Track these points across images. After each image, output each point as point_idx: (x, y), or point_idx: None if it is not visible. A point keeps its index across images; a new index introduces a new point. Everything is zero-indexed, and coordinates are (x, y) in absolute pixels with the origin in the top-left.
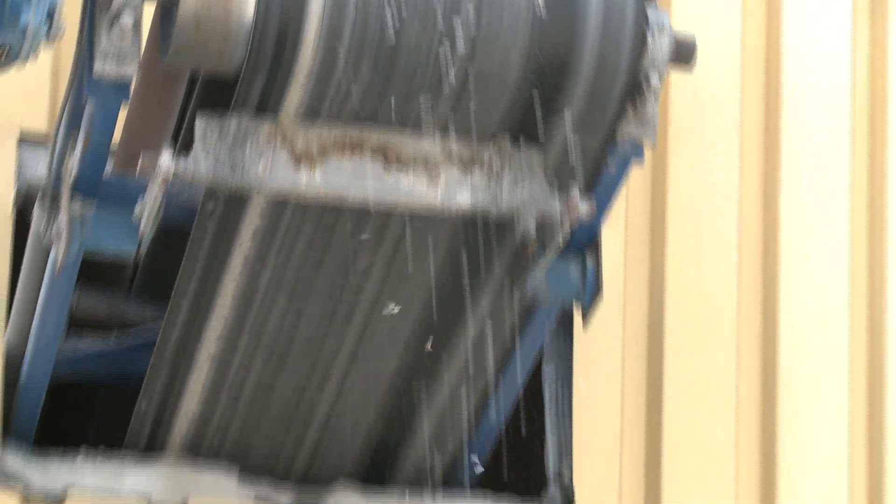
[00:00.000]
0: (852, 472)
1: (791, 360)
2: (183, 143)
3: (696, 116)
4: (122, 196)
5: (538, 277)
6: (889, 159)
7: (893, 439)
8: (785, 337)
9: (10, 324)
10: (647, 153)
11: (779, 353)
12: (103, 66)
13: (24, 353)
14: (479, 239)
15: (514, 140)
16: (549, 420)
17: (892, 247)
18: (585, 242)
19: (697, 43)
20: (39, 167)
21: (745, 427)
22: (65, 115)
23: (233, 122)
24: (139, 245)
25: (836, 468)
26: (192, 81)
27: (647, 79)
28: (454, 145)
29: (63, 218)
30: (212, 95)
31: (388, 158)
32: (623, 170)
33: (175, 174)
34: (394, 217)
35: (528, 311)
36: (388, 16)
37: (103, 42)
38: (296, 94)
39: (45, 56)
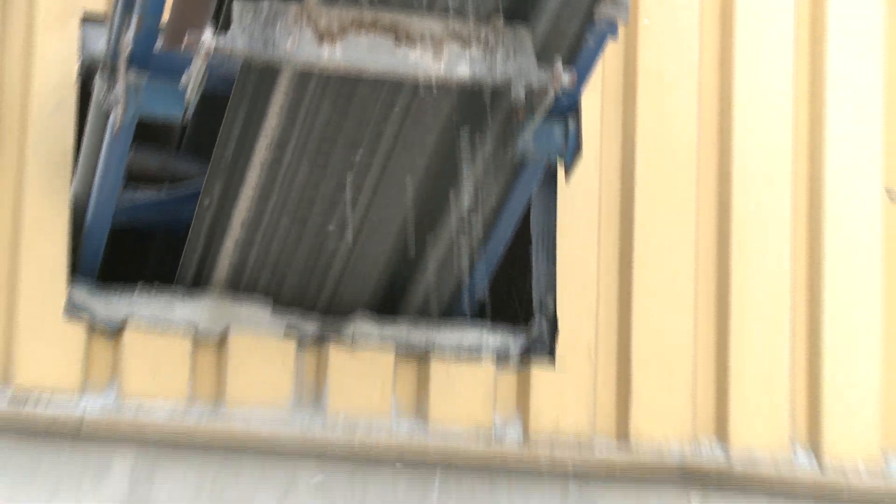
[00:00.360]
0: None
1: (742, 198)
2: (222, 23)
3: None
4: (170, 68)
5: (527, 138)
6: (829, 28)
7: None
8: (737, 180)
9: (76, 178)
10: (621, 30)
11: (732, 192)
12: None
13: (88, 202)
14: (477, 105)
15: (507, 20)
16: (535, 260)
17: (832, 97)
18: (567, 108)
19: None
20: (99, 43)
21: (702, 253)
22: None
23: (265, 5)
24: (186, 110)
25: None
26: None
27: None
28: (455, 24)
29: (120, 86)
30: None
31: (399, 36)
32: (600, 45)
33: (216, 49)
34: (403, 87)
35: (519, 168)
36: None
37: None
38: None
39: None
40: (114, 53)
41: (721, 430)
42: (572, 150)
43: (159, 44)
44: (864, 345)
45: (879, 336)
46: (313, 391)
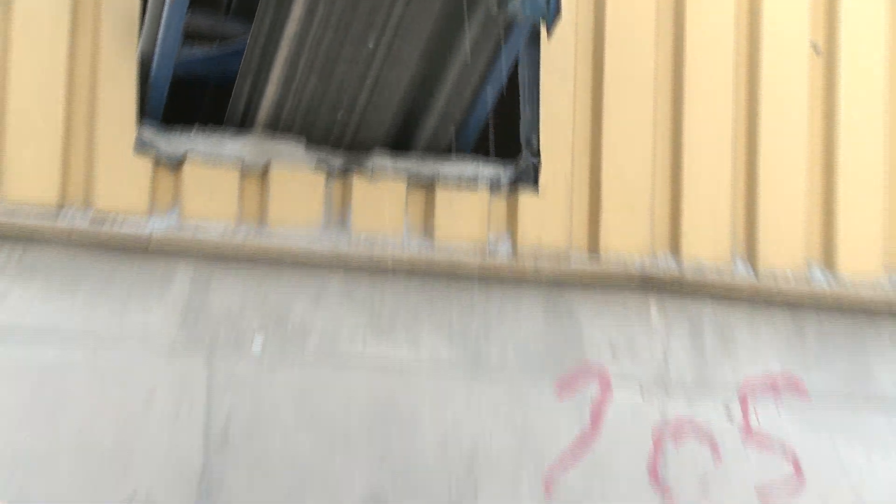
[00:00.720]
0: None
1: (693, 52)
2: None
3: None
4: None
5: (516, 3)
6: None
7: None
8: (689, 40)
9: (142, 37)
10: None
11: (685, 50)
12: None
13: (152, 57)
14: None
15: None
16: (522, 105)
17: None
18: None
19: None
20: None
21: (660, 96)
22: None
23: None
24: None
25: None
26: None
27: None
28: None
29: None
30: None
31: None
32: None
33: None
34: None
35: (509, 28)
36: None
37: None
38: None
39: None
40: None
41: (674, 244)
42: (553, 13)
43: None
44: (791, 175)
45: (804, 167)
46: (339, 214)
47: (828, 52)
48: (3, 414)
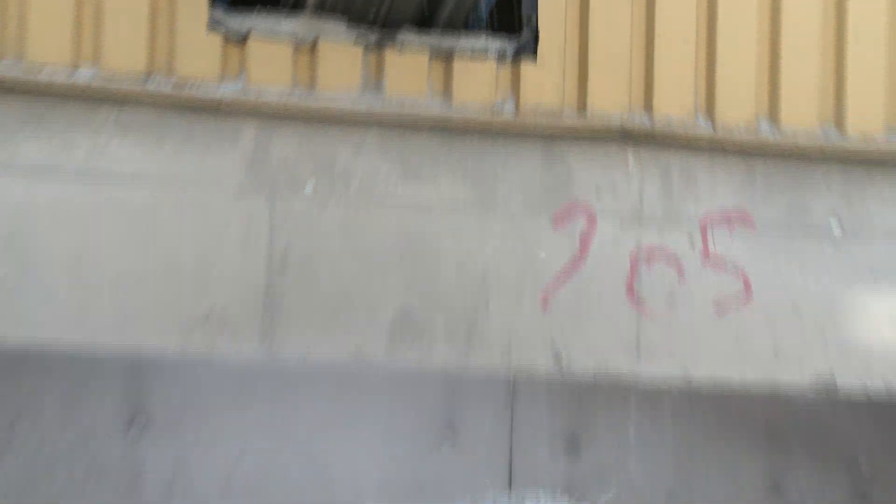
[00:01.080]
0: None
1: None
2: None
3: None
4: None
5: None
6: None
7: None
8: None
9: None
10: None
11: None
12: None
13: None
14: None
15: None
16: None
17: None
18: None
19: None
20: None
21: None
22: None
23: None
24: None
25: None
26: None
27: None
28: None
29: None
30: None
31: None
32: None
33: None
34: None
35: None
36: None
37: None
38: None
39: None
40: None
41: (648, 103)
42: None
43: None
44: (744, 43)
45: (754, 37)
46: (375, 80)
47: None
48: (106, 243)
